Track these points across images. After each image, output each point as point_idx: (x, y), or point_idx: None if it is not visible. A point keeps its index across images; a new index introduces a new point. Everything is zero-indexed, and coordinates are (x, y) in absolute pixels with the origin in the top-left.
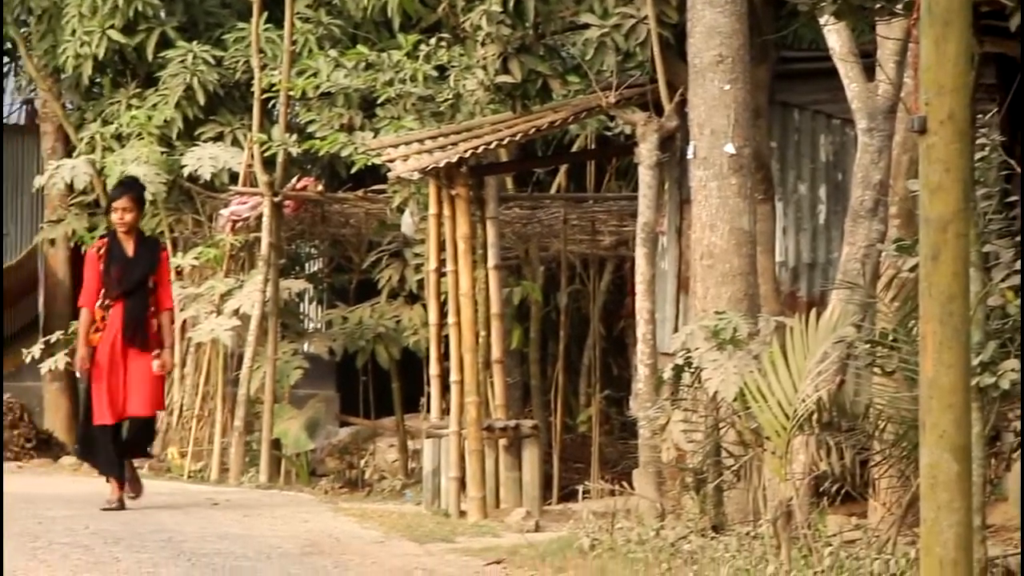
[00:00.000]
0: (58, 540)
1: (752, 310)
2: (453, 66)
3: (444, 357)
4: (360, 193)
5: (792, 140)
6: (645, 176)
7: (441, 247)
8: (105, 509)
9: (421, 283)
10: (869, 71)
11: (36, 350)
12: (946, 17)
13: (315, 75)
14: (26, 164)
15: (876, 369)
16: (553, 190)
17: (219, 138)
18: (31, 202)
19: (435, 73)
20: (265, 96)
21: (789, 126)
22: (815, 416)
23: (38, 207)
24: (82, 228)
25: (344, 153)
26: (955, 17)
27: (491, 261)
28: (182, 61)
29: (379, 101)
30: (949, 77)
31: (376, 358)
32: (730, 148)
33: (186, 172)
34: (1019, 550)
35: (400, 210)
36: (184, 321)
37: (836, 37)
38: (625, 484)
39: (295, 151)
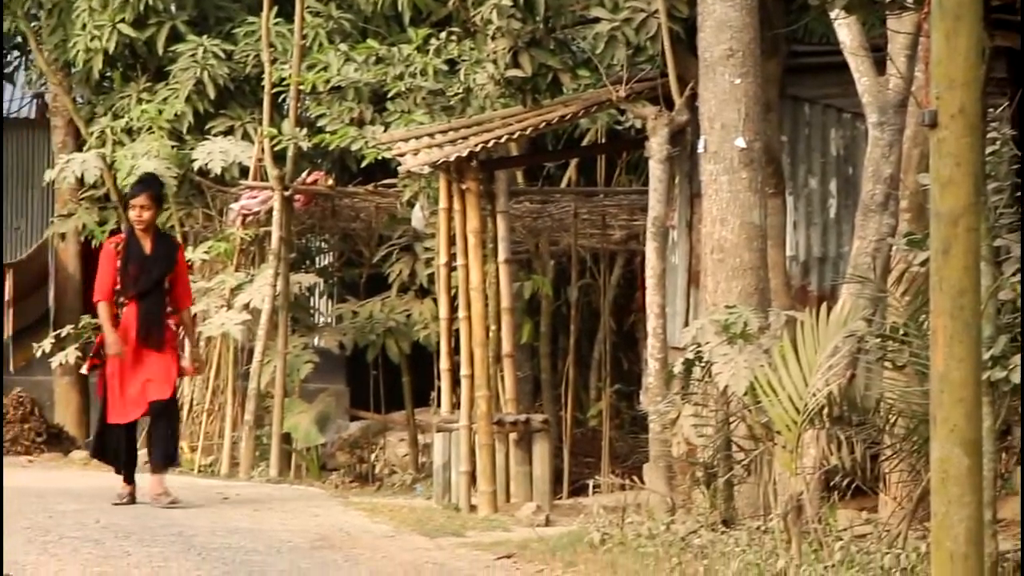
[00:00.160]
0: (69, 534)
1: (763, 304)
2: (463, 60)
3: (454, 351)
4: (370, 187)
5: (803, 134)
6: (656, 170)
7: (451, 241)
8: (116, 504)
9: (431, 277)
10: (880, 65)
11: (47, 344)
12: (957, 11)
13: (325, 69)
14: (36, 158)
15: (887, 363)
16: (563, 184)
17: (229, 132)
18: (42, 196)
19: (445, 67)
20: (275, 90)
21: (800, 120)
22: (826, 410)
23: (48, 201)
24: (92, 222)
25: (354, 147)
26: (966, 11)
27: (501, 255)
28: (192, 55)
29: (389, 95)
30: (960, 71)
31: (386, 352)
32: (741, 142)
33: (196, 166)
34: None
35: (410, 204)
36: (195, 315)
37: (847, 31)
38: (635, 478)
39: (305, 145)
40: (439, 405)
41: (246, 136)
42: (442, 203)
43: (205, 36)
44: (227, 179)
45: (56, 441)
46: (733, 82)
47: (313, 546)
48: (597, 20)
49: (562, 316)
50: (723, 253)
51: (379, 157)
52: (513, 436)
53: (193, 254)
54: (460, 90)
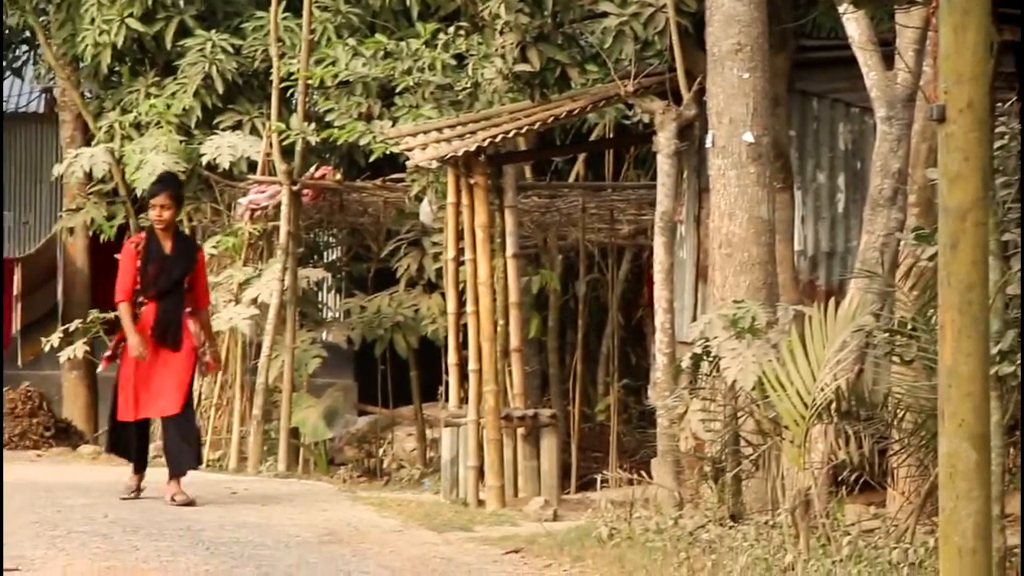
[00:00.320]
0: (77, 528)
1: (771, 299)
2: (471, 55)
3: (462, 346)
4: (378, 182)
5: (811, 129)
6: (664, 165)
7: (459, 236)
8: (124, 498)
9: (439, 272)
10: (888, 60)
11: (55, 339)
12: (965, 6)
13: (333, 64)
14: (45, 153)
15: (895, 358)
16: (571, 179)
17: (238, 127)
18: (50, 191)
19: (453, 62)
20: (284, 85)
21: (808, 115)
22: (834, 405)
23: (57, 196)
24: (101, 217)
25: (362, 142)
26: (974, 5)
27: (509, 250)
28: (201, 50)
29: (397, 90)
30: (968, 65)
31: (394, 347)
32: (749, 137)
33: (205, 161)
34: None
35: (418, 199)
36: None
37: (855, 25)
38: (643, 473)
39: (314, 140)
40: (447, 400)
41: (254, 131)
42: (450, 198)
43: (213, 31)
44: (235, 174)
45: (64, 435)
46: (741, 77)
47: (321, 541)
48: (605, 15)
49: (570, 311)
50: (731, 248)
51: (387, 152)
52: (521, 431)
53: None
54: (468, 85)
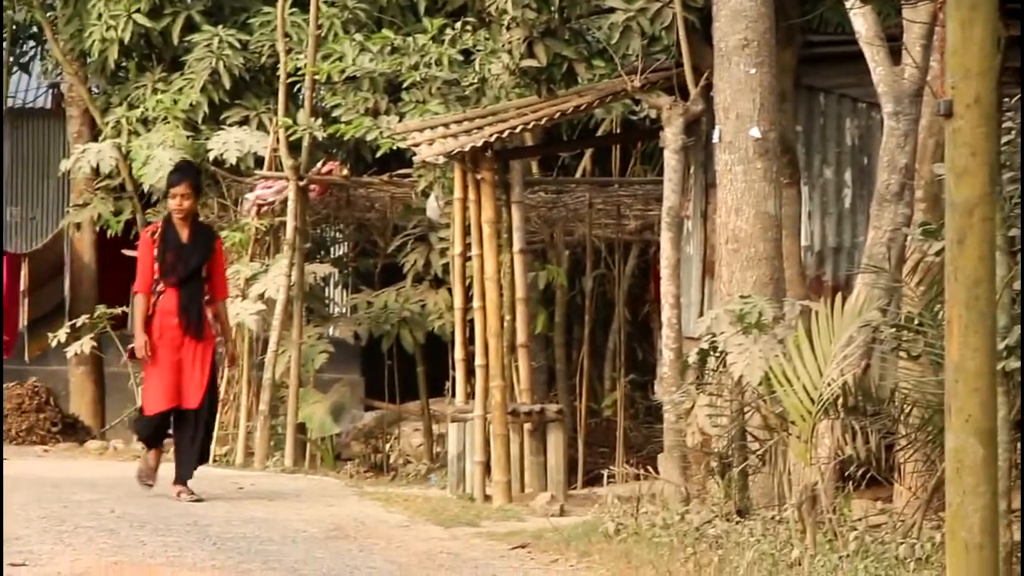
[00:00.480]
0: (84, 524)
1: (777, 294)
2: (478, 50)
3: (469, 341)
4: (385, 177)
5: (818, 124)
6: (670, 160)
7: (466, 231)
8: (144, 482)
9: (446, 267)
10: (895, 55)
11: (62, 334)
12: (972, 0)
13: (340, 59)
14: (52, 148)
15: (902, 353)
16: (578, 174)
17: (244, 122)
18: (57, 186)
19: (460, 57)
20: (291, 80)
21: (815, 110)
22: (840, 400)
23: (64, 191)
24: (108, 212)
25: (369, 137)
26: (981, 0)
27: (516, 245)
28: (208, 45)
29: (404, 85)
30: (975, 61)
31: (401, 342)
32: (756, 132)
33: (212, 156)
34: None
35: (425, 194)
36: None
37: (862, 21)
38: (650, 468)
39: (320, 135)
40: (454, 395)
41: (261, 126)
42: (457, 193)
43: (220, 26)
44: (242, 169)
45: (71, 431)
46: (748, 72)
47: (328, 536)
48: (612, 10)
49: (577, 306)
50: (738, 243)
51: (394, 147)
52: (528, 426)
53: None
54: (475, 80)
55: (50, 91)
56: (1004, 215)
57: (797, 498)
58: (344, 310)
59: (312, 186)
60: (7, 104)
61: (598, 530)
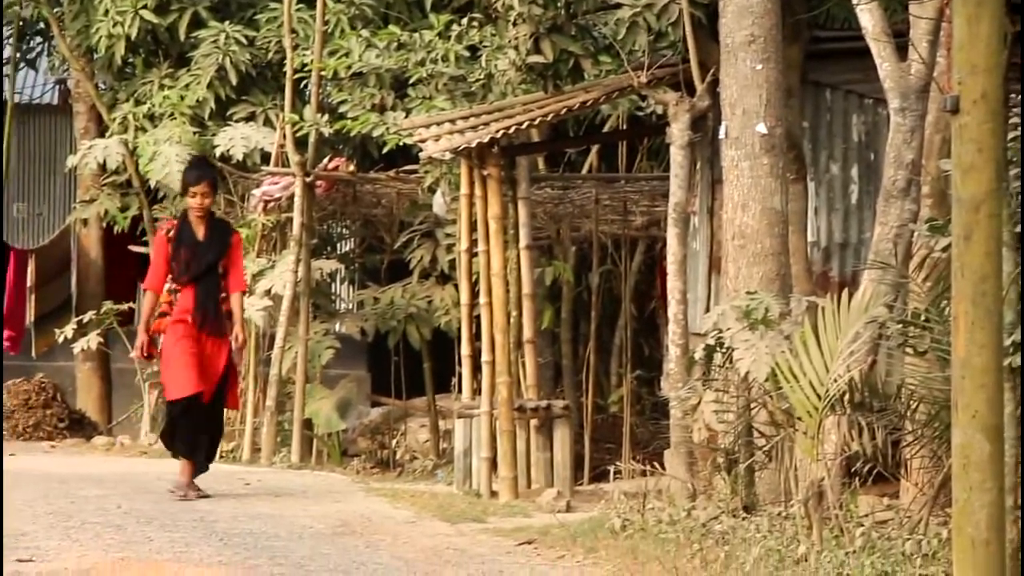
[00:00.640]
0: (90, 519)
1: (784, 290)
2: (485, 46)
3: (475, 337)
4: (392, 173)
5: (824, 120)
6: (677, 156)
7: (473, 227)
8: (179, 498)
9: (453, 263)
10: (902, 51)
11: (69, 330)
12: None
13: (347, 55)
14: (59, 144)
15: (908, 349)
16: (584, 170)
17: (251, 118)
18: (64, 182)
19: (467, 53)
20: (297, 76)
21: (821, 106)
22: (847, 396)
23: (71, 187)
24: (114, 208)
25: (376, 133)
26: None
27: (523, 241)
28: (214, 41)
29: (411, 81)
30: (982, 57)
31: (407, 338)
32: (762, 128)
33: (218, 152)
34: None
35: (431, 190)
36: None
37: (869, 16)
38: (656, 464)
39: (327, 131)
40: (460, 391)
41: (268, 122)
42: (463, 189)
43: (227, 22)
44: (248, 165)
45: (78, 426)
46: (754, 68)
47: (334, 532)
48: (619, 6)
49: (583, 302)
50: (744, 239)
51: (400, 143)
52: (534, 422)
53: None
54: (481, 76)
55: (57, 87)
56: (1010, 211)
57: (803, 494)
58: (351, 306)
59: (319, 182)
60: (14, 100)
61: (604, 526)
